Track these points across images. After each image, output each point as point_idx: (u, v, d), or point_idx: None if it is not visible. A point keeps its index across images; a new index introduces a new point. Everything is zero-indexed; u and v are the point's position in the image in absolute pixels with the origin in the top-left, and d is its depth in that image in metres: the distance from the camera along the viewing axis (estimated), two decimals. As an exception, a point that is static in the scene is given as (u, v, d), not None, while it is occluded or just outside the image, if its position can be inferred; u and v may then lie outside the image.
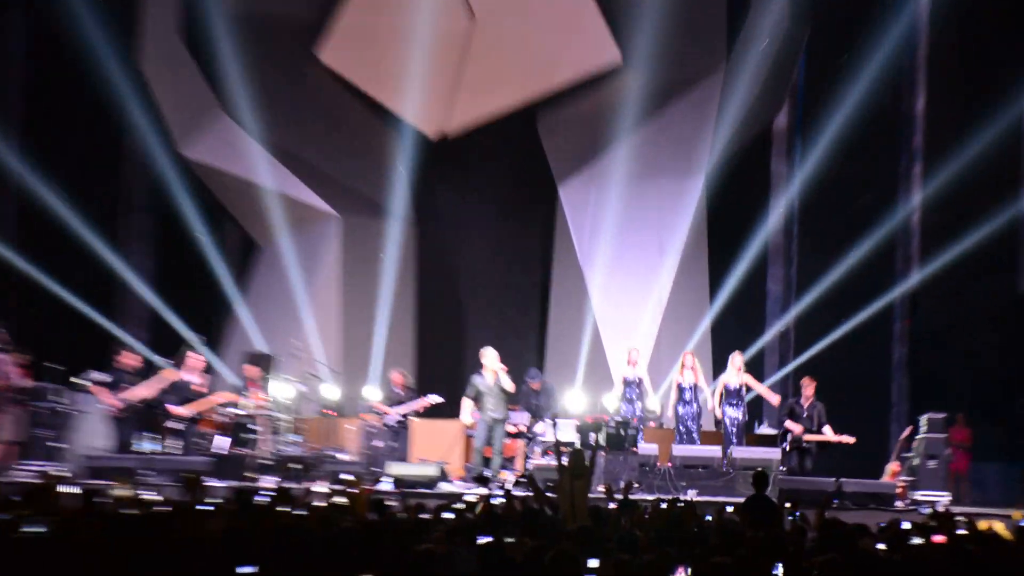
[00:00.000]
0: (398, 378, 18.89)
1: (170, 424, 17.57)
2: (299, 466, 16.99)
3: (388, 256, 22.35)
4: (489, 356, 17.74)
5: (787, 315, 23.76)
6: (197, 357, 18.12)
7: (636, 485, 16.57)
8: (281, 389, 18.47)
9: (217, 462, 17.27)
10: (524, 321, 23.71)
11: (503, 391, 17.57)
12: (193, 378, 18.09)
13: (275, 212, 22.29)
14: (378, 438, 18.46)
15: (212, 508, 10.13)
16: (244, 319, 22.52)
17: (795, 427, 18.33)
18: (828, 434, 18.44)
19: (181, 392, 17.94)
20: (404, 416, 18.62)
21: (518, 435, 18.28)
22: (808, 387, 18.70)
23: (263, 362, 19.18)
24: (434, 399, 18.52)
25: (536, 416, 18.47)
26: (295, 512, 10.13)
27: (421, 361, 23.17)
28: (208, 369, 18.77)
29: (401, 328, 23.00)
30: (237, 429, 17.67)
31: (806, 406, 18.54)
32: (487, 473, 17.30)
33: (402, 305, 23.11)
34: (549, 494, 12.18)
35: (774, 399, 19.00)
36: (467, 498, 12.49)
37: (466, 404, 17.79)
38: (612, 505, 11.69)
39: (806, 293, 22.97)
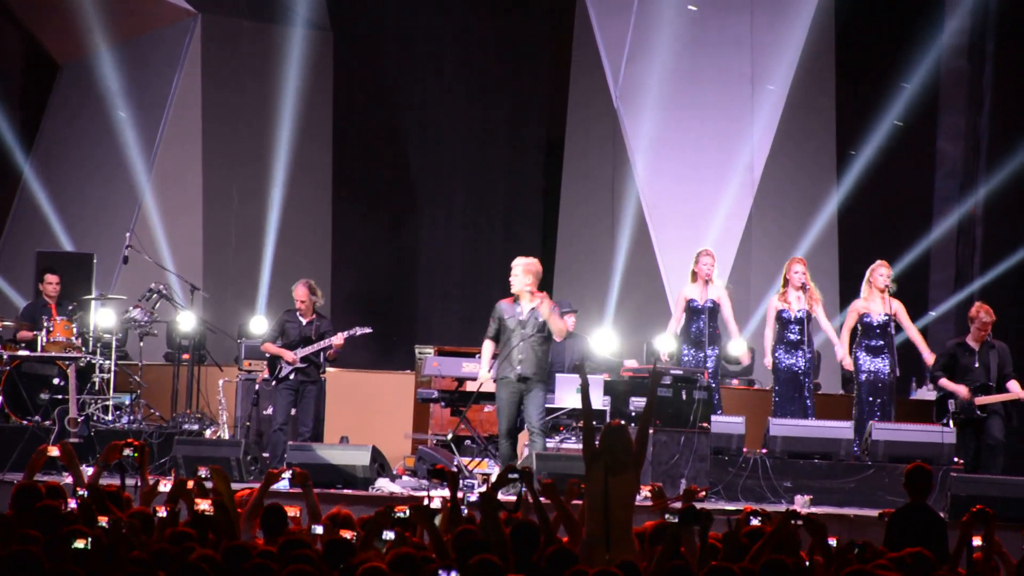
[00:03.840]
0: (303, 296, 16.73)
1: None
2: (130, 449, 12.50)
3: (295, 86, 20.92)
4: (525, 272, 14.92)
5: (970, 197, 21.59)
6: None
7: (701, 492, 14.55)
8: (100, 317, 17.77)
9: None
10: (518, 202, 22.61)
11: (543, 333, 14.86)
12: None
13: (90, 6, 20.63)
14: (269, 400, 17.12)
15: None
16: (35, 194, 21.19)
17: (958, 389, 15.83)
18: (1016, 391, 15.89)
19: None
20: (314, 361, 16.75)
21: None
22: (982, 318, 16.08)
23: (68, 271, 18.47)
24: (359, 332, 16.79)
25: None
26: (113, 527, 8.29)
27: (341, 269, 22.01)
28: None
29: (307, 212, 21.85)
30: (23, 384, 17.03)
31: (976, 349, 15.99)
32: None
33: (308, 171, 21.62)
34: (553, 500, 10.43)
35: (927, 355, 16.54)
36: (428, 504, 9.83)
37: (487, 350, 15.20)
38: (669, 517, 9.48)
39: (1004, 160, 20.82)
